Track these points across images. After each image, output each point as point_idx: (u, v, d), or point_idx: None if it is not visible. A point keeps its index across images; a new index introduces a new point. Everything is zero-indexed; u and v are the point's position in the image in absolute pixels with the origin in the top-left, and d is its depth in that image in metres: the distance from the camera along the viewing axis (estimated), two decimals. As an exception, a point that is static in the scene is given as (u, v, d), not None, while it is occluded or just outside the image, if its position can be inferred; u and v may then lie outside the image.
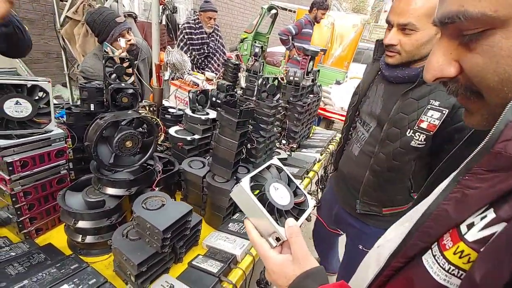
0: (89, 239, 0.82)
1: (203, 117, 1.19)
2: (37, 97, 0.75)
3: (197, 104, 1.21)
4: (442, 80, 0.40)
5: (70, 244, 0.86)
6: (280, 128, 1.70)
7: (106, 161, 0.83)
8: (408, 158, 1.03)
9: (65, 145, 0.84)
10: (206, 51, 3.29)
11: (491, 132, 0.31)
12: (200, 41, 3.19)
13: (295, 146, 1.78)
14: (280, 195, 0.58)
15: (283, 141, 1.74)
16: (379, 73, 1.14)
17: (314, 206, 0.63)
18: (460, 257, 0.33)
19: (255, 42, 6.08)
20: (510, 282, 0.27)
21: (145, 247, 0.75)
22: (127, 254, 0.72)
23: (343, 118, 3.73)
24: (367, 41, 8.70)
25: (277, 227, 0.52)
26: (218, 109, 0.98)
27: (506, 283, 0.27)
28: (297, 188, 0.65)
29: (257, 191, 0.56)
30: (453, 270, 0.33)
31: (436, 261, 0.35)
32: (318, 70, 1.97)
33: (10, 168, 0.72)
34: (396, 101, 1.02)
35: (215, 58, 3.44)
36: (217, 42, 3.40)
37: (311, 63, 1.77)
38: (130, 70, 0.99)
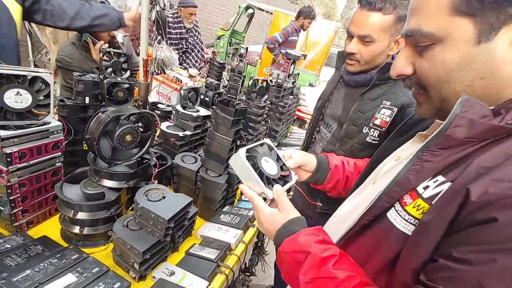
0: (87, 230, 0.83)
1: (194, 114, 1.23)
2: (37, 89, 0.75)
3: (188, 101, 1.25)
4: (402, 77, 0.54)
5: (64, 236, 0.87)
6: (264, 127, 1.79)
7: (106, 154, 0.85)
8: (364, 154, 1.14)
9: (62, 137, 0.84)
10: (185, 47, 3.26)
11: (446, 121, 0.43)
12: (178, 36, 3.16)
13: (275, 144, 1.89)
14: (269, 167, 0.72)
15: (264, 138, 1.83)
16: (340, 80, 1.27)
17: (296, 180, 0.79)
18: (417, 210, 0.46)
19: (232, 39, 6.10)
20: (453, 218, 0.40)
21: (146, 236, 0.79)
22: (131, 243, 0.75)
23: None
24: (337, 46, 9.19)
25: (265, 188, 0.65)
26: (213, 107, 1.04)
27: (450, 220, 0.40)
28: (283, 165, 0.78)
29: (251, 161, 0.68)
30: (410, 219, 0.47)
31: (399, 214, 0.48)
32: (298, 74, 2.10)
33: (9, 159, 0.71)
34: (355, 102, 1.15)
35: (193, 54, 3.42)
36: (195, 38, 3.39)
37: (292, 66, 1.89)
38: (126, 65, 1.01)
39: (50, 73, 0.75)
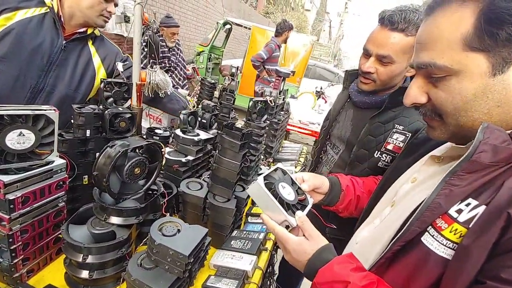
0: (97, 274, 0.77)
1: (195, 138, 1.21)
2: (40, 127, 0.71)
3: (188, 125, 1.23)
4: (416, 105, 0.58)
5: (70, 282, 0.80)
6: (264, 146, 1.80)
7: (115, 189, 0.80)
8: None
9: (66, 175, 0.79)
10: (167, 65, 3.24)
11: (471, 148, 0.46)
12: (161, 54, 3.13)
13: (271, 161, 1.90)
14: (287, 192, 0.72)
15: (261, 156, 1.84)
16: (348, 100, 1.24)
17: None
18: (454, 234, 0.48)
19: (211, 55, 6.14)
20: (497, 241, 0.42)
21: (164, 274, 0.76)
22: (149, 284, 0.71)
23: (301, 130, 4.00)
24: (311, 58, 9.55)
25: (288, 216, 0.65)
26: (218, 131, 1.03)
27: (494, 242, 0.42)
28: (298, 188, 0.78)
29: (269, 189, 0.68)
30: (449, 244, 0.48)
31: (436, 239, 0.49)
32: (287, 89, 2.15)
33: (11, 206, 0.65)
34: (365, 125, 1.11)
35: (176, 72, 3.41)
36: (178, 56, 3.38)
37: (283, 83, 1.93)
38: (127, 94, 0.98)
39: (54, 110, 0.71)
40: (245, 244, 1.05)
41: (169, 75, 3.30)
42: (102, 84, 0.90)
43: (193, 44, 7.85)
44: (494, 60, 0.46)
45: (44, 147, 0.73)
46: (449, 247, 0.48)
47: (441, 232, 0.49)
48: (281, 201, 0.68)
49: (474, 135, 0.50)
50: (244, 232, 1.15)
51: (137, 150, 0.87)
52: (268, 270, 1.25)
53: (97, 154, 0.79)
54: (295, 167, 1.89)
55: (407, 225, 0.53)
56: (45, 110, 0.70)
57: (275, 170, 0.78)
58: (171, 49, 3.21)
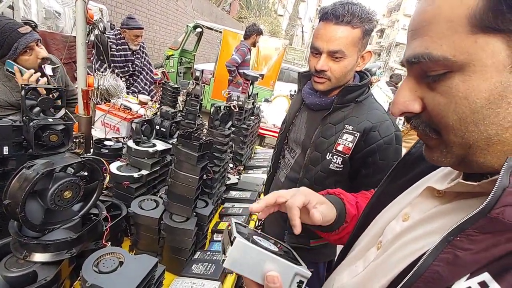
0: (13, 328, 0.61)
1: (150, 150, 1.07)
2: None
3: (142, 135, 1.09)
4: (407, 115, 0.42)
5: None
6: (230, 155, 1.69)
7: (37, 220, 0.65)
8: (328, 182, 1.07)
9: (-31, 206, 0.63)
10: (131, 69, 3.03)
11: (490, 198, 0.31)
12: (123, 58, 2.92)
13: (241, 168, 1.80)
14: (267, 244, 0.54)
15: (230, 165, 1.73)
16: (303, 103, 1.21)
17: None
18: None
19: (182, 59, 5.94)
20: None
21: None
22: (79, 338, 0.57)
23: (275, 134, 3.98)
24: (284, 61, 9.66)
25: (298, 267, 0.47)
26: (174, 142, 0.91)
27: None
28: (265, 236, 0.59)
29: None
30: None
31: None
32: (257, 93, 2.07)
33: None
34: (317, 126, 1.09)
35: (141, 76, 3.20)
36: (143, 60, 3.18)
37: (251, 87, 1.85)
38: (59, 102, 0.83)
39: None
40: (207, 268, 0.93)
41: (134, 79, 3.10)
42: (23, 91, 0.74)
43: (163, 48, 7.58)
44: None
45: None
46: None
47: None
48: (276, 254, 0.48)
49: (491, 163, 0.36)
50: (208, 252, 1.03)
51: (69, 169, 0.72)
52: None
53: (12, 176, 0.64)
54: (267, 174, 1.80)
55: None
56: None
57: (231, 227, 0.54)
58: (135, 52, 3.01)
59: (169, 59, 5.61)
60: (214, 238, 1.13)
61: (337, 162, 1.05)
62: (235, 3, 17.61)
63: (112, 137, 1.22)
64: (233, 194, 1.46)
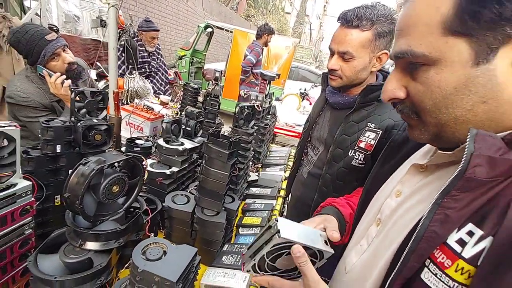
0: (72, 308, 0.68)
1: (180, 148, 1.14)
2: (-1, 146, 0.62)
3: (171, 135, 1.16)
4: (394, 101, 0.51)
5: (41, 320, 0.70)
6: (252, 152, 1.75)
7: (91, 211, 0.72)
8: (350, 179, 1.13)
9: (32, 199, 0.70)
10: (148, 71, 3.12)
11: (462, 162, 0.39)
12: (141, 60, 3.01)
13: (260, 166, 1.85)
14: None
15: (250, 163, 1.78)
16: (326, 102, 1.27)
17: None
18: (461, 274, 0.39)
19: (193, 59, 6.03)
20: None
21: (150, 303, 0.68)
22: (134, 317, 0.63)
23: (287, 133, 3.98)
24: (294, 60, 9.65)
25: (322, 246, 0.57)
26: (204, 140, 0.97)
27: None
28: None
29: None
30: (457, 286, 0.39)
31: (440, 279, 0.41)
32: (273, 92, 2.11)
33: (-35, 241, 0.56)
34: (340, 124, 1.15)
35: (157, 77, 3.29)
36: (158, 61, 3.27)
37: (268, 86, 1.89)
38: (102, 104, 0.89)
39: (15, 125, 0.63)
40: (237, 260, 0.99)
41: (150, 80, 3.18)
42: (73, 94, 0.81)
43: (174, 49, 7.69)
44: (477, 46, 0.39)
45: (4, 168, 0.63)
46: None
47: (446, 271, 0.41)
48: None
49: (458, 138, 0.44)
50: (236, 245, 1.08)
51: (116, 165, 0.79)
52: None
53: (70, 171, 0.71)
54: (285, 171, 1.85)
55: (402, 259, 0.45)
56: (4, 126, 0.61)
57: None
58: (151, 54, 3.09)
59: (181, 59, 5.70)
60: (240, 232, 1.19)
61: (359, 159, 1.10)
62: (242, 1, 17.63)
63: (143, 136, 1.29)
64: (254, 190, 1.52)
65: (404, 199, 0.54)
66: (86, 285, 0.69)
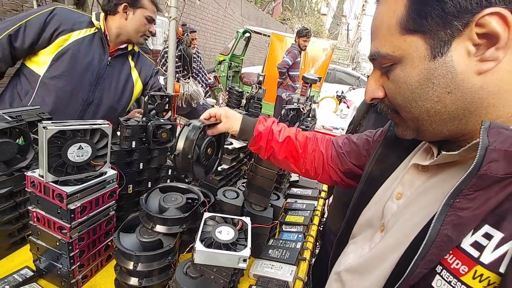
0: (145, 282, 0.79)
1: (229, 147, 1.23)
2: (96, 140, 0.75)
3: (222, 135, 1.25)
4: (375, 101, 0.53)
5: (119, 288, 0.83)
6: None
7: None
8: None
9: (116, 185, 0.83)
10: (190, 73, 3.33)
11: (476, 157, 0.36)
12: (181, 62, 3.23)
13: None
14: (226, 233, 0.75)
15: (290, 164, 1.83)
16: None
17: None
18: (480, 281, 0.35)
19: (231, 63, 6.25)
20: None
21: (209, 284, 0.76)
22: (197, 293, 0.72)
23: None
24: (331, 62, 9.47)
25: (240, 253, 0.70)
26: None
27: None
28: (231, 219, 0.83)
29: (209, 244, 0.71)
30: None
31: (454, 287, 0.37)
32: (313, 95, 2.13)
33: (72, 215, 0.70)
34: None
35: (198, 79, 3.49)
36: (198, 63, 3.48)
37: (309, 89, 1.92)
38: (167, 106, 1.02)
39: (108, 124, 0.76)
40: (283, 254, 1.04)
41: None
42: (147, 98, 0.94)
43: (213, 54, 8.04)
44: (431, 42, 0.41)
45: (99, 159, 0.77)
46: None
47: (461, 278, 0.37)
48: (225, 245, 0.71)
49: (437, 129, 0.45)
50: (281, 241, 1.14)
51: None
52: (306, 281, 1.23)
53: (177, 132, 0.80)
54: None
55: (411, 265, 0.41)
56: (100, 124, 0.74)
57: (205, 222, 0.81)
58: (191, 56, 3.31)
59: (221, 64, 5.95)
60: (283, 229, 1.24)
61: None
62: (278, 5, 17.76)
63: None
64: (295, 190, 1.56)
65: (406, 202, 0.52)
66: (156, 262, 0.79)
